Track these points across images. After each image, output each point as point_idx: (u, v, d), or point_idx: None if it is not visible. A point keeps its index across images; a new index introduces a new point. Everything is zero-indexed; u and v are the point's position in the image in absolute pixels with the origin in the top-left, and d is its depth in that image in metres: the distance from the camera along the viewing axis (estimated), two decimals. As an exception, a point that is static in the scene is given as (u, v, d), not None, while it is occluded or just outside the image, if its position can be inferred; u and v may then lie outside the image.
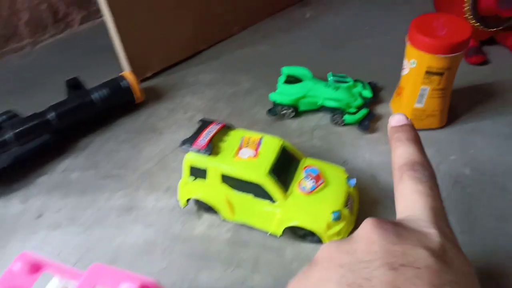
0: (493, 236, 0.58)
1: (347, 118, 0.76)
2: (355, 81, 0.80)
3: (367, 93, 0.79)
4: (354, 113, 0.75)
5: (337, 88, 0.76)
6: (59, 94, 0.81)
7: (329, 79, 0.81)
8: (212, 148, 0.57)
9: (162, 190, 0.70)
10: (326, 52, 0.97)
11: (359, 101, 0.76)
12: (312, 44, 1.00)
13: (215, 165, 0.57)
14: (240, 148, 0.59)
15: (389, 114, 0.78)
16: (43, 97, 0.82)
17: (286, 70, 0.81)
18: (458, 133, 0.74)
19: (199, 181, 0.60)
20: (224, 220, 0.63)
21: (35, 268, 0.42)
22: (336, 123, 0.77)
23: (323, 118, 0.79)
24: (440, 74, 0.65)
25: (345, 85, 0.78)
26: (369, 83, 0.81)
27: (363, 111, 0.76)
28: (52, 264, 0.42)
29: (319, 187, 0.58)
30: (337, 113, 0.76)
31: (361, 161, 0.71)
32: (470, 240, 0.58)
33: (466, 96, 0.80)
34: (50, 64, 1.03)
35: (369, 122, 0.76)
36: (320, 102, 0.77)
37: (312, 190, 0.57)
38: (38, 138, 0.75)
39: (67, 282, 0.43)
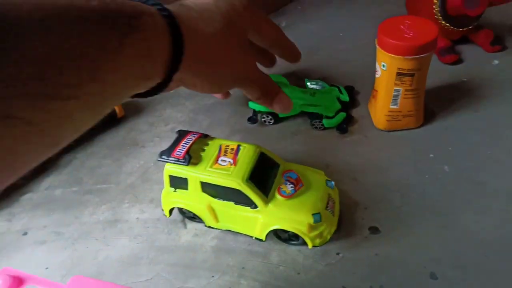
0: (475, 230, 0.60)
1: (326, 122, 0.78)
2: (331, 85, 0.82)
3: (344, 97, 0.81)
4: (332, 117, 0.76)
5: (314, 94, 0.78)
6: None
7: (306, 84, 0.83)
8: (190, 158, 0.58)
9: (146, 202, 0.70)
10: (303, 59, 0.98)
11: (336, 105, 0.77)
12: (290, 51, 1.01)
13: (194, 175, 0.58)
14: (218, 157, 0.60)
15: (367, 117, 0.80)
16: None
17: None
18: (435, 132, 0.76)
19: (180, 191, 0.61)
20: (209, 227, 0.64)
21: (18, 282, 0.42)
22: (315, 128, 0.79)
23: (303, 124, 0.81)
24: (411, 75, 0.67)
25: (322, 90, 0.80)
26: (346, 87, 0.83)
27: (341, 115, 0.78)
28: (34, 278, 0.43)
29: (299, 190, 0.59)
30: (316, 117, 0.77)
31: (342, 164, 0.72)
32: (454, 234, 0.60)
33: (441, 95, 0.82)
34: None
35: (347, 125, 0.78)
36: (298, 108, 0.78)
37: (292, 194, 0.58)
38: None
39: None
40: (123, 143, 0.82)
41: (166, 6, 0.39)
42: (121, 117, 0.86)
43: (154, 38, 0.35)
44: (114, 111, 0.84)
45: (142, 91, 0.38)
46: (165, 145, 0.73)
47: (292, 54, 0.68)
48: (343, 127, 0.78)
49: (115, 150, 0.81)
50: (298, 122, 0.81)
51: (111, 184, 0.74)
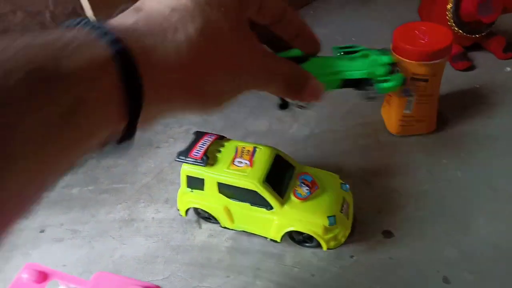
0: (488, 235, 0.60)
1: (383, 86, 0.56)
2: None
3: (387, 59, 0.58)
4: (387, 80, 0.57)
5: (352, 58, 0.57)
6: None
7: (335, 52, 0.59)
8: (207, 159, 0.59)
9: (161, 202, 0.71)
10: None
11: (385, 68, 0.56)
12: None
13: (211, 175, 0.59)
14: (235, 158, 0.61)
15: (381, 122, 0.80)
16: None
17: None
18: (448, 137, 0.76)
19: (197, 191, 0.62)
20: (224, 228, 0.65)
21: (42, 277, 0.43)
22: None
23: (316, 127, 0.81)
24: (425, 80, 0.68)
25: (359, 54, 0.57)
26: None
27: (399, 76, 0.57)
28: (58, 274, 0.44)
29: (314, 193, 0.60)
30: (366, 85, 0.56)
31: (355, 168, 0.73)
32: (467, 239, 0.60)
33: (454, 101, 0.83)
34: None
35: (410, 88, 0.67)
36: (339, 76, 0.55)
37: (307, 197, 0.59)
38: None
39: (73, 291, 0.45)
40: (138, 144, 0.83)
41: (119, 28, 0.29)
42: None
43: (105, 98, 0.27)
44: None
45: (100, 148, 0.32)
46: (180, 146, 0.74)
47: (308, 38, 0.48)
48: (407, 90, 0.68)
49: (130, 151, 0.82)
50: (311, 127, 0.82)
51: (127, 184, 0.75)
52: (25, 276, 0.44)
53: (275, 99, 0.66)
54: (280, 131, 0.83)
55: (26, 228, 0.70)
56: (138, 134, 0.78)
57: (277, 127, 0.83)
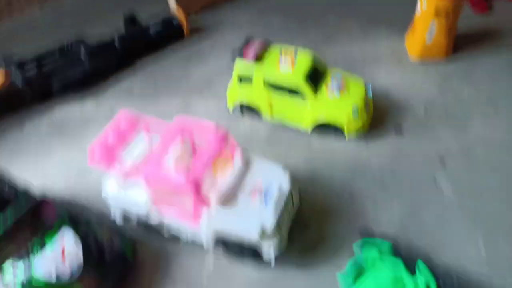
0: (482, 132, 0.73)
1: None
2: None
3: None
4: None
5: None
6: (112, 27, 0.97)
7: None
8: (257, 59, 0.72)
9: (210, 98, 0.85)
10: None
11: None
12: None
13: (260, 72, 0.73)
14: (280, 58, 0.74)
15: (404, 51, 0.92)
16: (98, 30, 0.99)
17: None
18: (460, 64, 0.89)
19: (245, 85, 0.76)
20: (264, 121, 0.79)
21: (134, 120, 0.57)
22: None
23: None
24: (445, 14, 0.80)
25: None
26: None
27: None
28: (146, 118, 0.58)
29: (343, 90, 0.73)
30: None
31: (378, 81, 0.86)
32: (464, 136, 0.73)
33: (470, 38, 0.95)
34: (102, 2, 1.19)
35: None
36: None
37: (338, 90, 0.73)
38: (106, 58, 0.90)
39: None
40: (189, 56, 0.99)
41: None
42: (186, 35, 1.01)
43: None
44: (182, 29, 0.98)
45: None
46: (225, 60, 0.88)
47: None
48: None
49: (183, 61, 0.97)
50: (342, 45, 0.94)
51: (181, 84, 0.90)
52: (120, 119, 0.58)
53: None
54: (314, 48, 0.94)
55: (98, 110, 0.85)
56: (189, 50, 0.93)
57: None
